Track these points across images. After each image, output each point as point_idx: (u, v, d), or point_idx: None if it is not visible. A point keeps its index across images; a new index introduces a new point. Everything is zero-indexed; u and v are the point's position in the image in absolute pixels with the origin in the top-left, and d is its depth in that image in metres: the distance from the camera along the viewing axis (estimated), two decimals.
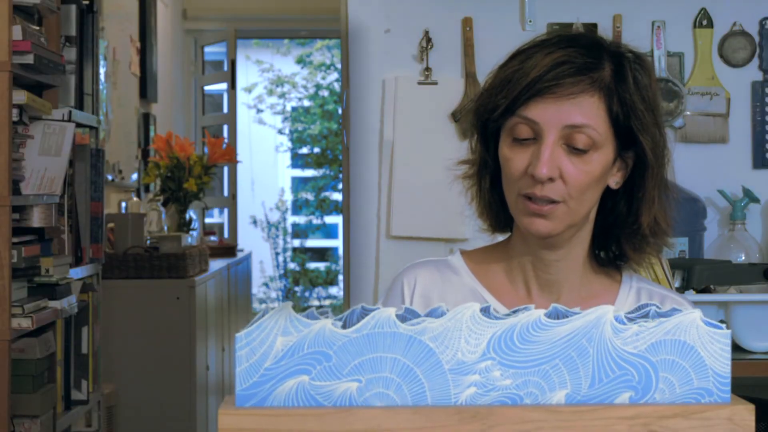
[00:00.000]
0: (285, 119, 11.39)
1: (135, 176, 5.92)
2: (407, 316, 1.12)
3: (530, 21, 3.21)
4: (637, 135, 1.52)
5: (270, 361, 1.11)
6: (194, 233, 5.47)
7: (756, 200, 3.18)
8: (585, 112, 1.49)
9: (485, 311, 1.12)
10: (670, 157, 1.59)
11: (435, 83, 3.21)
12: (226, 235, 7.53)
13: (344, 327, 1.11)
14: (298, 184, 11.60)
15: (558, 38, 1.55)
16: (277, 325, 1.11)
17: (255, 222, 11.03)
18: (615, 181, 1.55)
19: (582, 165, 1.50)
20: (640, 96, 1.52)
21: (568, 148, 1.49)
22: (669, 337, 1.13)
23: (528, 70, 1.51)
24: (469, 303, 1.13)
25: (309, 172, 11.41)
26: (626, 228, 1.57)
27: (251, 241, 9.78)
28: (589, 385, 1.13)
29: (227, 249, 6.07)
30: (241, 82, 10.25)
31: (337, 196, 11.01)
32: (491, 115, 1.54)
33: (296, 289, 11.00)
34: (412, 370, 1.12)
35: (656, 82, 1.58)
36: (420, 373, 1.12)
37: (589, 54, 1.52)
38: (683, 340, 1.13)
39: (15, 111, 2.65)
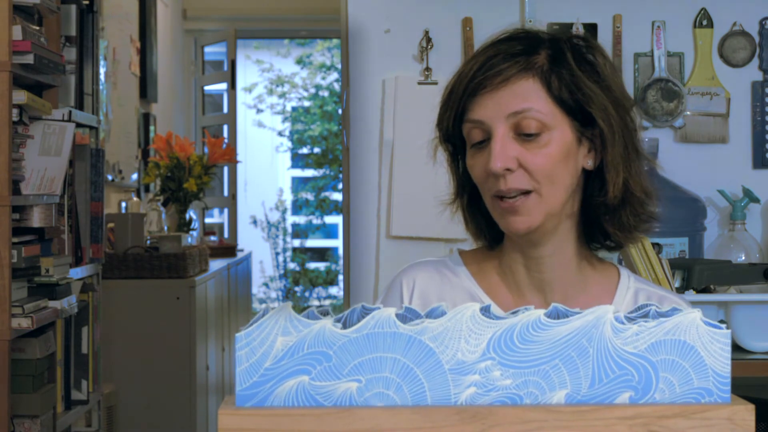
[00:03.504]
0: (285, 119, 11.39)
1: (135, 176, 5.92)
2: (407, 315, 1.12)
3: (530, 21, 3.20)
4: (585, 108, 1.49)
5: (270, 361, 1.11)
6: (194, 233, 5.47)
7: (756, 200, 3.18)
8: (523, 95, 1.48)
9: (485, 311, 1.12)
10: (636, 126, 1.54)
11: (435, 83, 3.21)
12: (226, 235, 7.53)
13: (344, 327, 1.11)
14: (298, 184, 11.61)
15: (496, 39, 1.54)
16: (277, 325, 1.11)
17: (255, 222, 11.04)
18: (588, 162, 1.53)
19: (538, 149, 1.48)
20: (582, 70, 1.50)
21: (519, 137, 1.48)
22: (669, 337, 1.13)
23: (465, 74, 1.51)
24: (468, 303, 1.13)
25: (309, 173, 11.41)
26: (600, 203, 1.53)
27: (251, 241, 9.79)
28: (589, 385, 1.13)
29: (227, 249, 6.07)
30: (241, 82, 10.25)
31: (337, 196, 11.01)
32: (447, 130, 1.55)
33: (296, 289, 11.00)
34: (412, 370, 1.12)
35: (606, 56, 1.54)
36: (420, 373, 1.12)
37: (523, 44, 1.51)
38: (683, 339, 1.13)
39: (15, 111, 2.65)
